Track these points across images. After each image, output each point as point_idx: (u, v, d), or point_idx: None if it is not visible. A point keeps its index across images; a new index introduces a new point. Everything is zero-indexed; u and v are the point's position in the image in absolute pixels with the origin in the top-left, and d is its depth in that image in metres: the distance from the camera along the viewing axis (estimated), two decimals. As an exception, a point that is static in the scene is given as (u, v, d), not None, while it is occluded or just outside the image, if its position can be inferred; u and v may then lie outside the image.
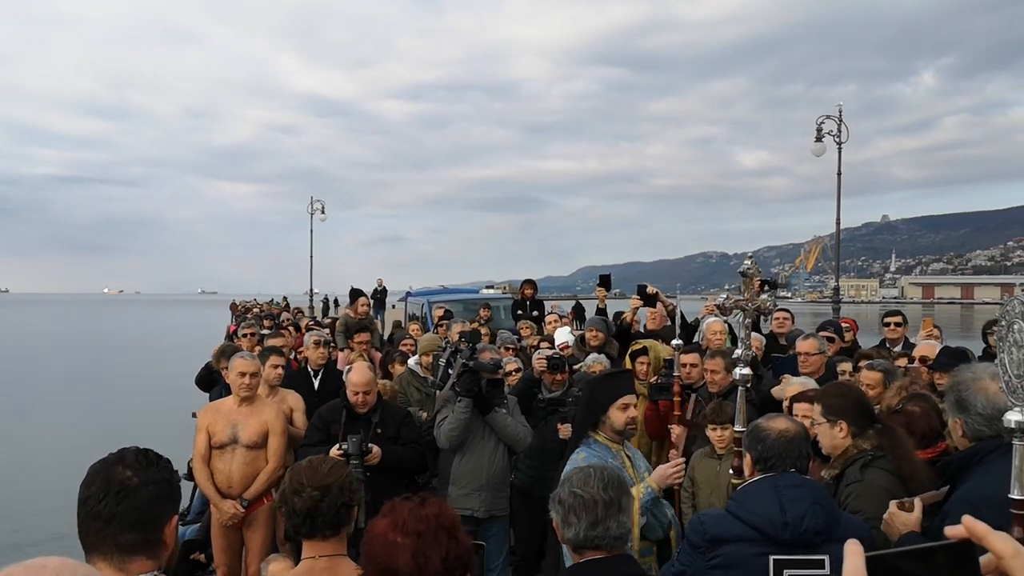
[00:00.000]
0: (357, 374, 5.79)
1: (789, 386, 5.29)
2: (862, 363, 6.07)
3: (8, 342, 55.82)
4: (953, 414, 3.10)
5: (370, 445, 5.41)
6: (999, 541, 1.08)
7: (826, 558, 2.91)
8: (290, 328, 12.90)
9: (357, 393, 5.68)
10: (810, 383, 5.26)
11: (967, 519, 1.09)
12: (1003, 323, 2.32)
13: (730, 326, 7.53)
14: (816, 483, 3.26)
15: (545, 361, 6.61)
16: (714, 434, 5.29)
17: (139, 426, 19.73)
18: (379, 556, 2.20)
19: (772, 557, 2.91)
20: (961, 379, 3.08)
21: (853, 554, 0.96)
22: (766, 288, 8.67)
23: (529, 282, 13.00)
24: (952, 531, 1.09)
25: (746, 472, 3.25)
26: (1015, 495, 2.28)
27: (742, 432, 3.59)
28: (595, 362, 6.93)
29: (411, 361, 7.86)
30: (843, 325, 8.35)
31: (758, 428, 3.24)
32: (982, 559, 1.08)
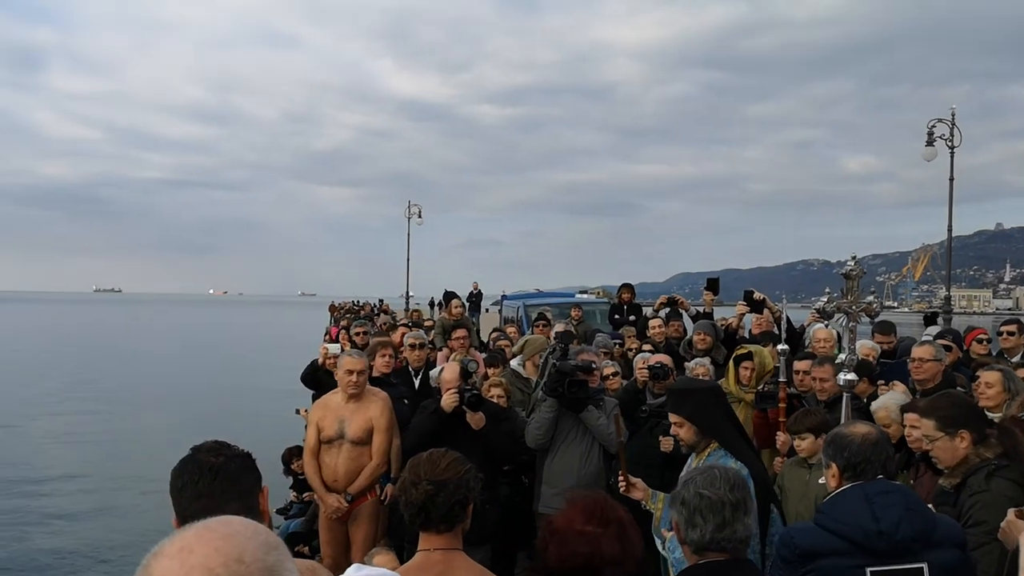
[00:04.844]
0: (448, 372, 6.08)
1: (877, 410, 5.09)
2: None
3: (125, 339, 58.68)
4: None
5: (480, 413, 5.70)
6: None
7: (924, 566, 2.82)
8: (389, 328, 13.21)
9: (448, 390, 5.86)
10: (893, 404, 5.01)
11: None
12: None
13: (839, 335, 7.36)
14: (907, 488, 3.16)
15: (647, 371, 6.57)
16: (796, 443, 5.18)
17: (243, 421, 20.54)
18: (580, 548, 2.28)
19: (869, 569, 2.82)
20: None
21: None
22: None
23: (627, 286, 12.92)
24: None
25: (832, 483, 3.12)
26: None
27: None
28: (697, 365, 6.84)
29: (514, 362, 7.89)
30: (981, 336, 7.94)
31: (839, 435, 3.16)
32: None
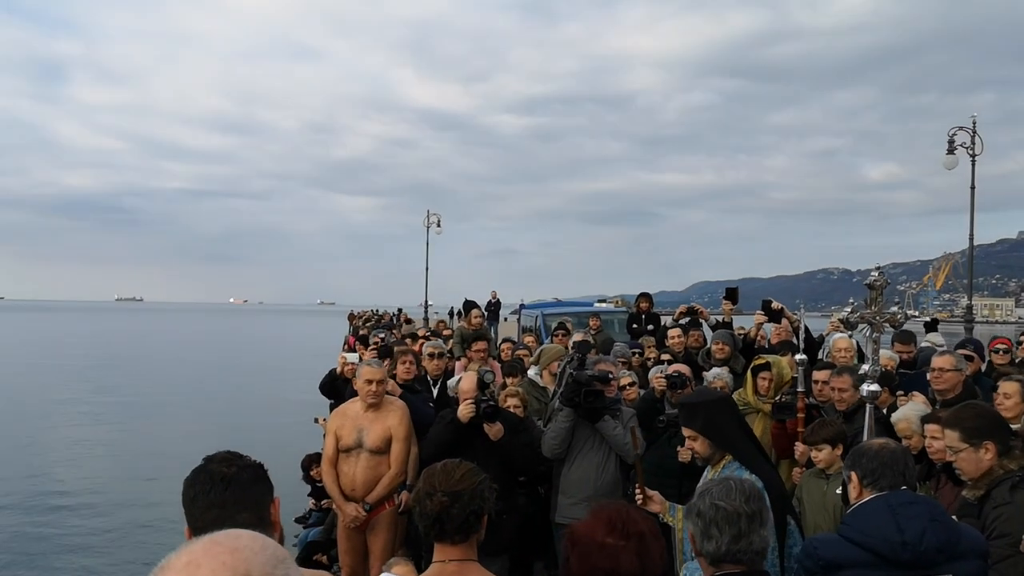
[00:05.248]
0: (465, 383, 6.04)
1: (898, 421, 5.05)
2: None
3: (146, 348, 59.12)
4: None
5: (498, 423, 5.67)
6: None
7: None
8: (408, 338, 13.21)
9: (465, 400, 5.83)
10: (914, 415, 4.97)
11: None
12: None
13: (859, 345, 7.28)
14: (932, 499, 3.14)
15: (664, 380, 6.53)
16: (813, 454, 5.13)
17: (261, 429, 20.62)
18: (601, 563, 2.28)
19: None
20: None
21: None
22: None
23: (645, 295, 12.86)
24: None
25: (853, 493, 3.11)
26: None
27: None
28: (716, 377, 6.80)
29: (531, 372, 7.87)
30: (1001, 346, 7.85)
31: (857, 447, 3.21)
32: None
